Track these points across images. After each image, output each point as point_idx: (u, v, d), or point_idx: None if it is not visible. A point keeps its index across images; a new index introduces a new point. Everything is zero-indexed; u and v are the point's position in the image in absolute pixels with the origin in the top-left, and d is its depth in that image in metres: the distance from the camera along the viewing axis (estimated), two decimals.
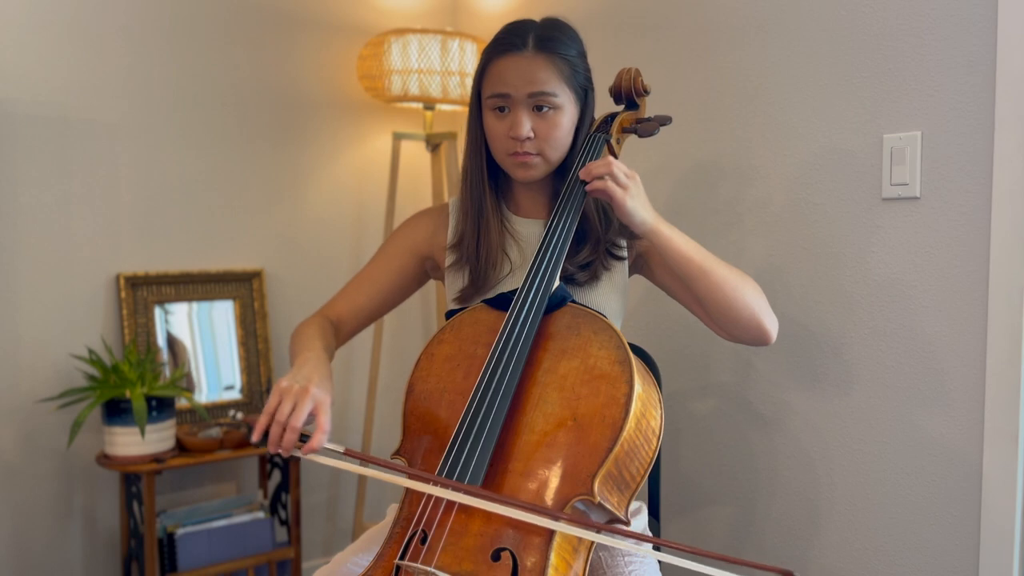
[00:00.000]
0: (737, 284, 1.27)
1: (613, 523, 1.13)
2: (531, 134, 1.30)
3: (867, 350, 1.67)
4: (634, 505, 1.42)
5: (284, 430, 1.10)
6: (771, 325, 1.30)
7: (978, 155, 1.50)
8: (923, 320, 1.59)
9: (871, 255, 1.66)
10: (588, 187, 1.24)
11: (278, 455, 1.14)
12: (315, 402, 1.13)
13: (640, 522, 1.39)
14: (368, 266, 1.46)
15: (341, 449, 1.12)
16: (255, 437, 1.11)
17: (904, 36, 1.59)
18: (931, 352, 1.58)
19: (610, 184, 1.21)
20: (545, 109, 1.30)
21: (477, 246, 1.37)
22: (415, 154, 2.69)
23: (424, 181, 2.71)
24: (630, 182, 1.23)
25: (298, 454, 1.12)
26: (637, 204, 1.22)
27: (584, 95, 1.36)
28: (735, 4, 1.87)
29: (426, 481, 1.10)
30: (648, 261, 1.41)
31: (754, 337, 1.31)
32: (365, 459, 1.15)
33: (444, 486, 1.08)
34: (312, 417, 1.13)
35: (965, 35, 1.51)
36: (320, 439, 1.11)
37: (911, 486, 1.63)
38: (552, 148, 1.32)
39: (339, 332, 1.41)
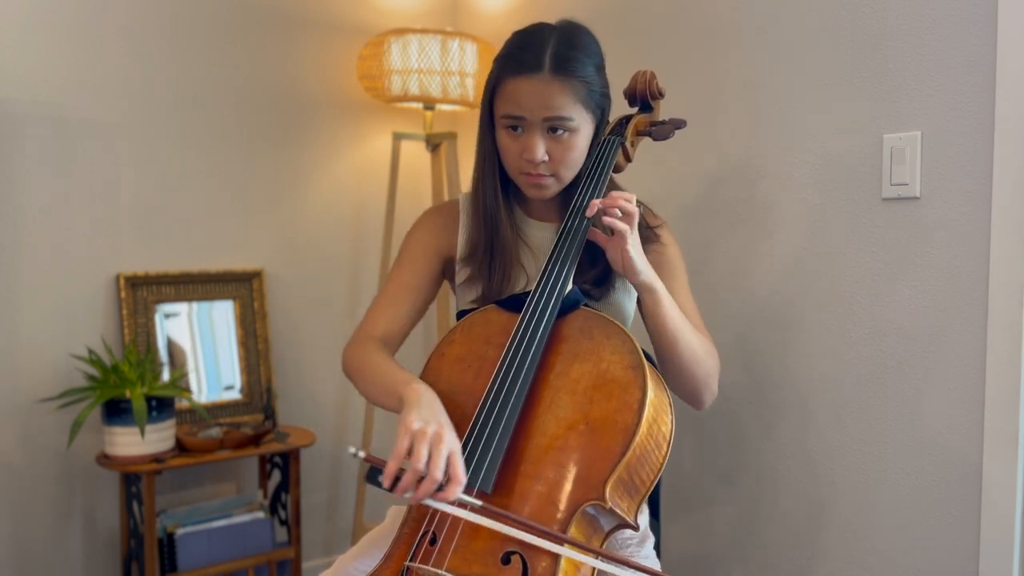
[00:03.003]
0: (696, 359, 1.28)
1: (622, 528, 1.12)
2: (545, 157, 1.27)
3: (867, 350, 1.67)
4: None
5: (420, 478, 1.02)
6: (708, 398, 1.33)
7: (978, 155, 1.50)
8: (923, 320, 1.59)
9: (871, 255, 1.66)
10: (606, 221, 1.20)
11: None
12: (450, 451, 1.04)
13: (642, 522, 1.38)
14: (396, 275, 1.41)
15: (479, 503, 1.04)
16: (387, 484, 1.02)
17: (904, 36, 1.59)
18: (931, 352, 1.58)
19: (627, 233, 1.18)
20: (560, 132, 1.27)
21: (491, 261, 1.35)
22: (415, 154, 2.69)
23: (424, 181, 2.71)
24: (633, 235, 1.21)
25: (430, 503, 1.04)
26: (641, 259, 1.22)
27: (600, 113, 1.33)
28: (735, 5, 1.87)
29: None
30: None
31: (687, 400, 1.34)
32: (516, 521, 1.06)
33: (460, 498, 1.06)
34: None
35: (965, 35, 1.51)
36: (455, 491, 1.03)
37: (911, 486, 1.63)
38: (566, 169, 1.30)
39: (389, 349, 1.35)
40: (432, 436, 1.04)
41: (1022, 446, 1.47)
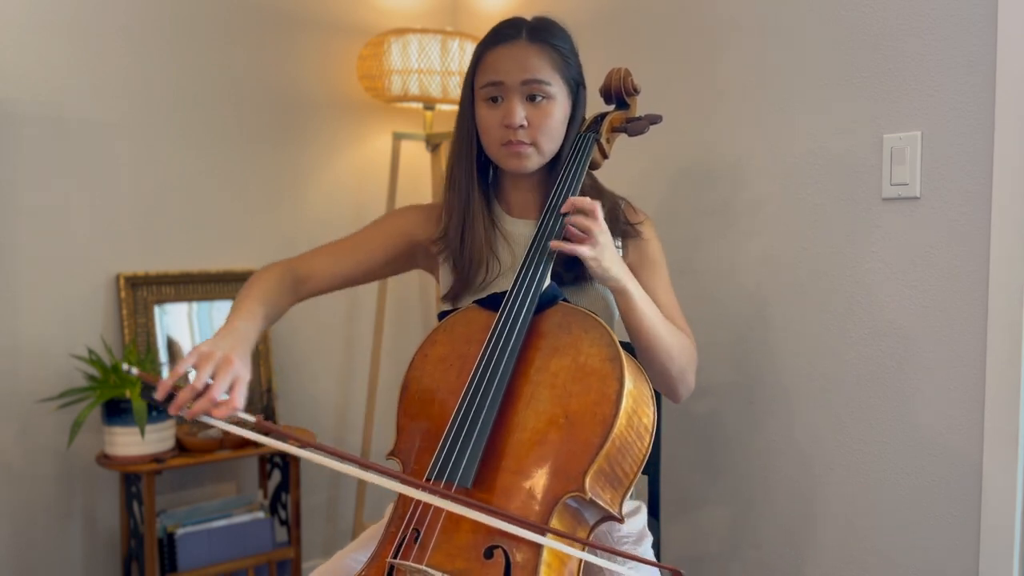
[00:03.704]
0: (670, 357, 1.29)
1: (607, 520, 1.13)
2: (524, 122, 1.31)
3: (867, 350, 1.67)
4: (633, 504, 1.42)
5: (196, 397, 1.05)
6: (683, 392, 1.35)
7: (978, 155, 1.50)
8: (923, 320, 1.59)
9: (871, 255, 1.66)
10: (556, 245, 1.21)
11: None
12: (235, 376, 1.08)
13: (639, 522, 1.39)
14: (358, 234, 1.45)
15: (252, 419, 1.06)
16: (160, 396, 1.04)
17: (904, 36, 1.59)
18: (931, 352, 1.58)
19: (585, 251, 1.19)
20: (538, 99, 1.31)
21: (461, 241, 1.37)
22: (415, 154, 2.69)
23: (424, 181, 2.71)
24: (602, 237, 1.21)
25: (206, 419, 1.05)
26: (608, 264, 1.21)
27: (576, 89, 1.37)
28: (735, 5, 1.87)
29: (415, 486, 1.08)
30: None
31: (664, 394, 1.36)
32: (280, 433, 1.09)
33: (435, 489, 1.07)
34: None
35: (965, 35, 1.51)
36: (227, 411, 1.05)
37: (911, 486, 1.62)
38: (545, 138, 1.33)
39: (301, 288, 1.37)
40: (219, 359, 1.07)
41: (1022, 446, 1.47)
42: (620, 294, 1.25)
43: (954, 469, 1.56)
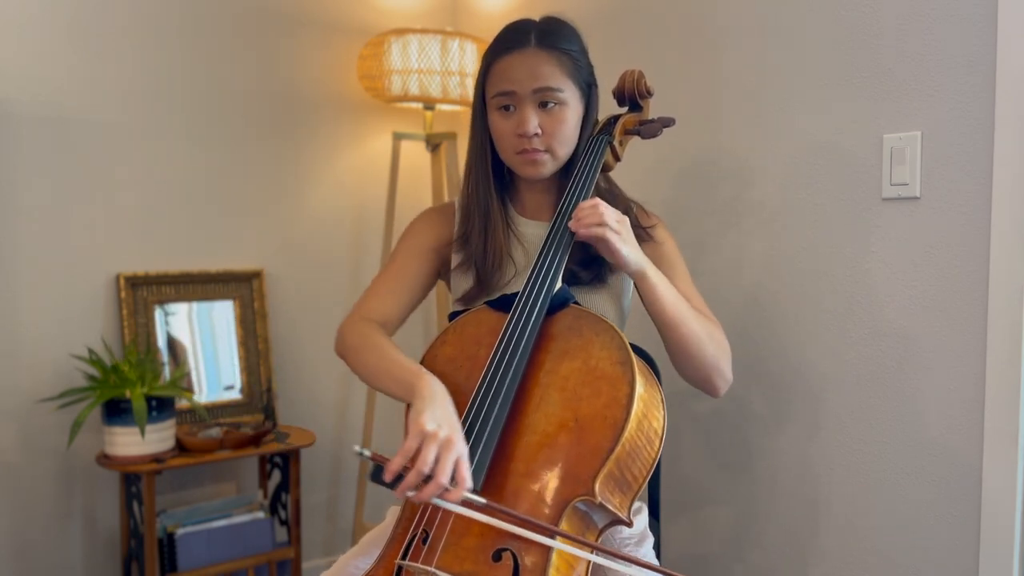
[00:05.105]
0: (701, 342, 1.29)
1: (615, 524, 1.13)
2: (538, 131, 1.30)
3: (867, 350, 1.67)
4: (634, 506, 1.42)
5: (425, 479, 1.02)
6: (721, 383, 1.33)
7: (978, 155, 1.50)
8: (923, 320, 1.59)
9: (871, 255, 1.66)
10: (582, 233, 1.22)
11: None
12: (457, 456, 1.04)
13: (640, 522, 1.38)
14: (396, 264, 1.42)
15: (483, 501, 1.04)
16: (389, 477, 1.03)
17: (904, 36, 1.59)
18: (931, 352, 1.58)
19: (608, 233, 1.21)
20: (551, 105, 1.31)
21: (485, 246, 1.37)
22: (415, 154, 2.69)
23: (424, 181, 2.71)
24: (621, 227, 1.23)
25: (437, 502, 1.04)
26: (629, 248, 1.23)
27: (588, 91, 1.37)
28: (735, 4, 1.87)
29: None
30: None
31: (701, 388, 1.35)
32: (507, 514, 1.05)
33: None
34: None
35: (965, 35, 1.51)
36: (459, 495, 1.02)
37: (911, 486, 1.63)
38: (559, 144, 1.33)
39: (387, 332, 1.36)
40: (443, 441, 1.04)
41: (1022, 446, 1.47)
42: (640, 279, 1.26)
43: (954, 469, 1.56)
